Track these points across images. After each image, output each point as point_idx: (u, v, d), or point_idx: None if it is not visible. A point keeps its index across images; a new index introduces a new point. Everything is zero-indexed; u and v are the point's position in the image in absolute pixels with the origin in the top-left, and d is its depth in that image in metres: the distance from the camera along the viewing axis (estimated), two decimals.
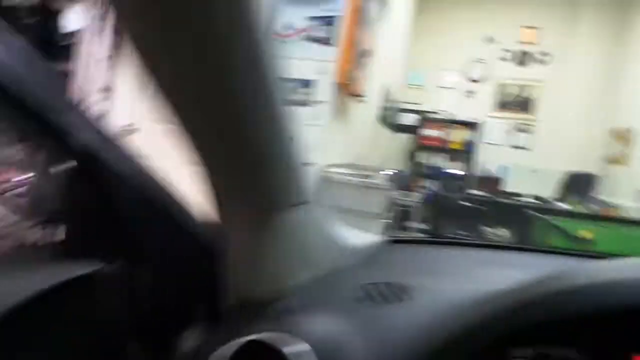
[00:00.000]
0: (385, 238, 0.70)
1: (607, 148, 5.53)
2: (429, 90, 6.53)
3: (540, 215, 3.13)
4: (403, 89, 6.55)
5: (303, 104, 2.68)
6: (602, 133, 5.65)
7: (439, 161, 6.44)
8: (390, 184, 3.25)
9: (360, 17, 2.66)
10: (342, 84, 2.72)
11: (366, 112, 3.81)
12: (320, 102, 2.68)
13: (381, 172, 3.15)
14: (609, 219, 3.99)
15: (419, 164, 6.46)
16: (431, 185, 6.23)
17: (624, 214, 4.25)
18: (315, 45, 2.65)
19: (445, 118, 6.27)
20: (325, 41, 2.62)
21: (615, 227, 3.17)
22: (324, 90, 2.66)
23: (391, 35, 4.63)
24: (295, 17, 2.61)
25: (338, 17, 2.60)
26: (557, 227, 2.82)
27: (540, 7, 5.83)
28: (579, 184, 4.95)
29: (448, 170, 6.01)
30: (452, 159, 6.35)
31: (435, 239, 0.76)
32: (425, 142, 6.40)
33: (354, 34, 2.67)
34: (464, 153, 6.24)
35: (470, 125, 6.17)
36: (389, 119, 5.77)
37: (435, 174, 6.23)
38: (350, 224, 0.64)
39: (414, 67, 6.49)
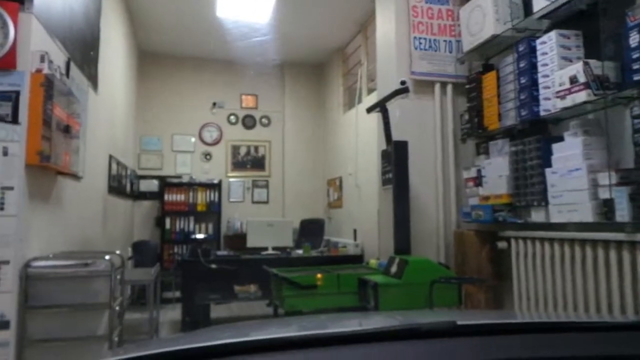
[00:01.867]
0: None
1: (327, 195, 6.42)
2: (167, 155, 6.44)
3: (274, 269, 3.32)
4: (139, 156, 6.29)
5: None
6: (322, 183, 6.55)
7: (187, 225, 6.35)
8: (119, 264, 2.96)
9: (51, 91, 2.39)
10: (38, 164, 2.37)
11: (86, 189, 3.44)
12: (9, 188, 2.27)
13: (107, 256, 2.83)
14: (334, 259, 4.54)
15: (167, 231, 6.23)
16: (181, 251, 6.07)
17: (346, 251, 4.96)
18: None
19: (188, 181, 6.26)
20: (6, 119, 2.25)
21: (337, 268, 3.58)
22: (12, 175, 2.26)
23: (112, 105, 4.39)
24: None
25: (21, 93, 2.28)
26: (286, 280, 3.01)
27: (256, 77, 6.50)
28: (310, 230, 5.54)
29: (195, 235, 5.97)
30: (200, 221, 6.35)
31: None
32: (171, 207, 6.24)
33: (46, 109, 2.38)
34: (210, 214, 6.32)
35: (212, 186, 6.30)
36: (126, 189, 5.41)
37: (184, 238, 6.12)
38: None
39: (149, 134, 6.34)
